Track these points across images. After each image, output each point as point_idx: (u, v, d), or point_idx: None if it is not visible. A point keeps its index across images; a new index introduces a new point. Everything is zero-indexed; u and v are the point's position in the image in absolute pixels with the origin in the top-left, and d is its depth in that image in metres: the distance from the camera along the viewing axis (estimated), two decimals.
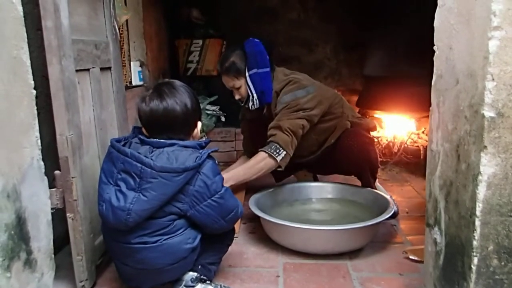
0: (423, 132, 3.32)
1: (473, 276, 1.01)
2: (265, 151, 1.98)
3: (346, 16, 3.66)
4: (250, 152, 2.28)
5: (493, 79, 0.94)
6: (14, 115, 1.09)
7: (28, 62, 1.15)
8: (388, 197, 2.00)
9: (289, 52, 3.76)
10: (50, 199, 1.28)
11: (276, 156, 1.96)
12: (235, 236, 1.62)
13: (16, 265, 1.06)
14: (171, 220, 1.34)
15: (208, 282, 1.47)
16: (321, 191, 2.22)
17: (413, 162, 3.12)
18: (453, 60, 1.11)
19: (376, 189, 2.16)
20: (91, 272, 1.52)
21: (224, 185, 1.42)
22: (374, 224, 1.74)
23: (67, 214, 1.44)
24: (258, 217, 1.83)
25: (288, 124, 1.99)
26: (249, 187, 2.35)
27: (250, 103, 2.17)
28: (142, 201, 1.28)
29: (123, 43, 2.40)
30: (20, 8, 1.12)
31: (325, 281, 1.56)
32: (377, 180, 2.24)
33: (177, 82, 1.44)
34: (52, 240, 1.25)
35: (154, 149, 1.34)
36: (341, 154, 2.14)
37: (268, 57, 2.13)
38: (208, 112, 3.27)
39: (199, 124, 1.49)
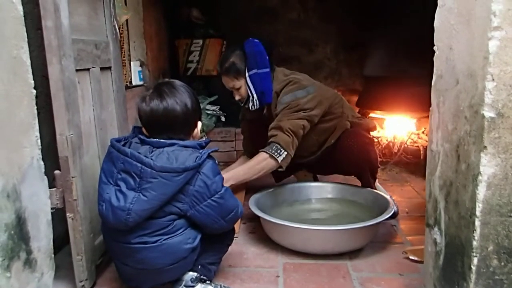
0: (423, 132, 3.32)
1: (473, 277, 1.01)
2: (266, 152, 1.98)
3: (346, 16, 3.66)
4: (250, 152, 2.28)
5: (493, 80, 0.94)
6: (14, 115, 1.09)
7: (28, 62, 1.15)
8: (388, 197, 2.00)
9: (289, 52, 3.76)
10: (50, 199, 1.28)
11: (277, 157, 1.96)
12: (235, 236, 1.62)
13: (16, 265, 1.06)
14: (171, 220, 1.34)
15: (208, 282, 1.47)
16: (321, 191, 2.22)
17: (413, 162, 3.12)
18: (453, 60, 1.11)
19: (376, 189, 2.16)
20: (91, 272, 1.52)
21: (225, 184, 1.42)
22: (374, 224, 1.74)
23: (67, 214, 1.44)
24: (258, 217, 1.83)
25: (288, 125, 1.99)
26: (249, 187, 2.35)
27: (250, 104, 2.17)
28: (142, 201, 1.28)
29: (123, 43, 2.40)
30: (20, 8, 1.12)
31: (325, 281, 1.56)
32: (377, 180, 2.24)
33: (177, 82, 1.45)
34: (52, 240, 1.25)
35: (154, 149, 1.34)
36: (341, 154, 2.14)
37: (268, 57, 2.12)
38: (208, 112, 3.27)
39: (199, 124, 1.49)
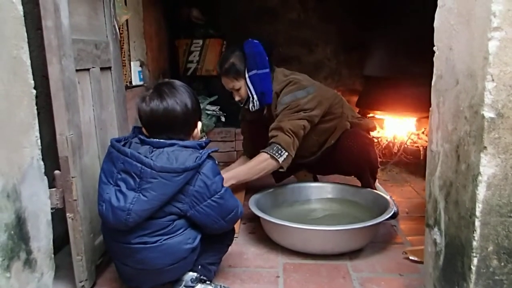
0: (423, 133, 3.33)
1: (473, 277, 1.01)
2: (267, 152, 1.98)
3: (346, 16, 3.66)
4: (250, 153, 2.29)
5: (493, 80, 0.94)
6: (14, 115, 1.09)
7: (28, 62, 1.15)
8: (388, 197, 2.00)
9: (289, 52, 3.76)
10: (50, 199, 1.28)
11: (278, 157, 1.96)
12: (235, 236, 1.62)
13: (16, 265, 1.06)
14: (171, 220, 1.34)
15: (208, 282, 1.47)
16: (321, 191, 2.22)
17: (413, 163, 3.12)
18: (453, 61, 1.11)
19: (376, 189, 2.16)
20: (91, 272, 1.52)
21: (225, 184, 1.42)
22: (374, 225, 1.74)
23: (67, 214, 1.44)
24: (258, 217, 1.83)
25: (289, 125, 1.99)
26: (249, 187, 2.35)
27: (250, 104, 2.17)
28: (142, 201, 1.28)
29: (123, 43, 2.40)
30: (20, 8, 1.12)
31: (325, 282, 1.56)
32: (377, 180, 2.24)
33: (177, 82, 1.45)
34: (52, 240, 1.25)
35: (154, 149, 1.34)
36: (341, 154, 2.14)
37: (267, 58, 2.12)
38: (208, 112, 3.27)
39: (199, 124, 1.49)
